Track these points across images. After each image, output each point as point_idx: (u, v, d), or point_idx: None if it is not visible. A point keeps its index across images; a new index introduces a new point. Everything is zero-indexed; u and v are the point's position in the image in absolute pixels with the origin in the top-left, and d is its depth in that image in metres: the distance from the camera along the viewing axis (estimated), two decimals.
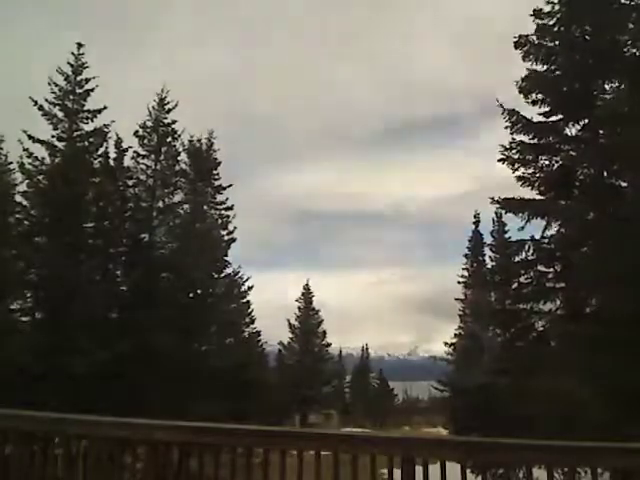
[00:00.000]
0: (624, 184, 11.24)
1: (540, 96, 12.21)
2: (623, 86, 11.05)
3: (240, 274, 22.34)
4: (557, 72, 12.17)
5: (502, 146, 12.28)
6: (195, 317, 19.14)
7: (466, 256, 30.34)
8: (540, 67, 12.27)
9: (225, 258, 22.01)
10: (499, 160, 12.30)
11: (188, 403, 17.52)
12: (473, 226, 30.74)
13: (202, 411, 17.05)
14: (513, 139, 12.23)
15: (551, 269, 12.14)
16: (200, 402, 17.65)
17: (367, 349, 56.52)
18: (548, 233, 12.13)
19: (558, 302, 11.88)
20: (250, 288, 23.10)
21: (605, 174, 11.74)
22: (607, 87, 11.67)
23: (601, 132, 11.36)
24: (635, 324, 9.49)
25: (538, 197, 12.31)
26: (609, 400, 9.45)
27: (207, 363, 18.78)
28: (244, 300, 23.20)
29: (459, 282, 29.67)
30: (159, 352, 17.95)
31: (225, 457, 3.49)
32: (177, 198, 23.03)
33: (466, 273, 29.71)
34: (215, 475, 3.47)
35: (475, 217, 30.86)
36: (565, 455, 2.98)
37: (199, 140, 23.63)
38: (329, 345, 44.50)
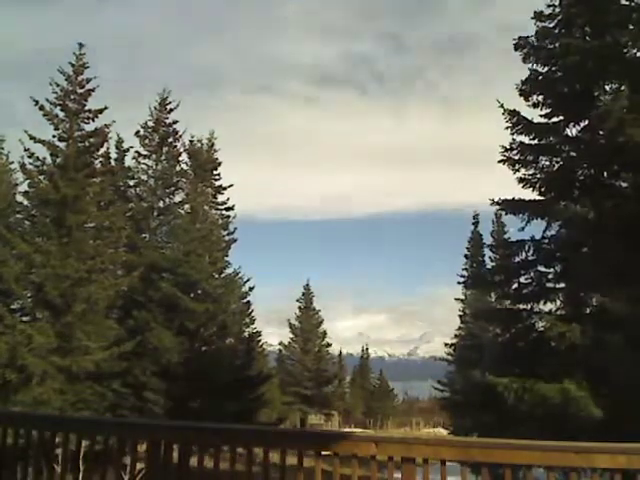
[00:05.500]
0: (624, 184, 11.24)
1: (540, 98, 12.22)
2: (623, 87, 11.04)
3: (240, 274, 22.38)
4: (557, 73, 12.18)
5: (502, 147, 12.29)
6: (195, 317, 19.16)
7: (466, 256, 30.37)
8: (541, 69, 12.28)
9: (226, 258, 22.03)
10: (499, 161, 12.31)
11: (188, 403, 17.54)
12: (473, 226, 30.81)
13: (202, 411, 17.08)
14: (513, 140, 12.24)
15: (551, 269, 12.15)
16: (200, 402, 17.67)
17: (367, 349, 56.60)
18: (548, 234, 12.15)
19: (558, 302, 11.88)
20: (251, 289, 23.14)
21: (605, 174, 11.75)
22: (607, 88, 11.68)
23: (601, 133, 11.35)
24: (635, 324, 9.49)
25: (538, 198, 12.32)
26: (609, 400, 9.45)
27: (207, 363, 18.78)
28: (244, 300, 23.22)
29: (459, 282, 29.67)
30: (159, 352, 17.97)
31: (225, 457, 3.50)
32: (178, 198, 23.11)
33: (466, 273, 29.72)
34: (215, 475, 3.48)
35: (474, 217, 30.93)
36: (564, 455, 2.99)
37: (200, 140, 23.66)
38: (329, 345, 44.54)
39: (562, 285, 12.03)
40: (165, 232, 22.73)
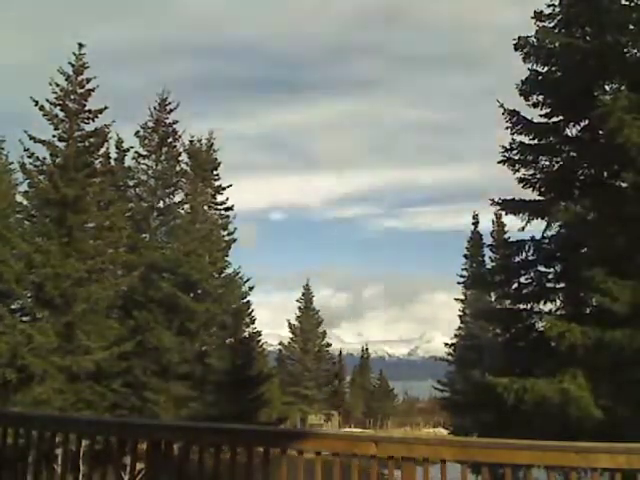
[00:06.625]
0: (624, 184, 11.24)
1: (540, 98, 12.21)
2: (623, 87, 11.04)
3: (240, 274, 22.38)
4: (557, 73, 12.18)
5: (503, 147, 12.28)
6: (195, 317, 19.16)
7: (466, 256, 30.36)
8: (541, 68, 12.27)
9: (225, 258, 22.04)
10: (500, 161, 12.29)
11: (188, 403, 17.55)
12: (472, 227, 30.82)
13: (202, 411, 17.09)
14: (513, 140, 12.23)
15: (551, 269, 12.15)
16: (200, 402, 17.68)
17: (367, 349, 56.58)
18: (548, 234, 12.14)
19: (558, 302, 11.88)
20: (251, 288, 23.13)
21: (605, 174, 11.74)
22: (607, 88, 11.68)
23: (601, 132, 11.34)
24: (635, 324, 9.49)
25: (538, 198, 12.31)
26: (609, 400, 9.45)
27: (207, 363, 18.79)
28: (244, 300, 23.22)
29: (459, 282, 29.67)
30: (159, 352, 17.98)
31: (225, 457, 3.50)
32: (177, 198, 23.13)
33: (466, 273, 29.71)
34: (215, 475, 3.48)
35: (474, 217, 30.92)
36: (564, 455, 2.98)
37: (199, 140, 23.65)
38: (329, 345, 44.56)
39: (562, 285, 12.03)
40: (165, 232, 22.74)
